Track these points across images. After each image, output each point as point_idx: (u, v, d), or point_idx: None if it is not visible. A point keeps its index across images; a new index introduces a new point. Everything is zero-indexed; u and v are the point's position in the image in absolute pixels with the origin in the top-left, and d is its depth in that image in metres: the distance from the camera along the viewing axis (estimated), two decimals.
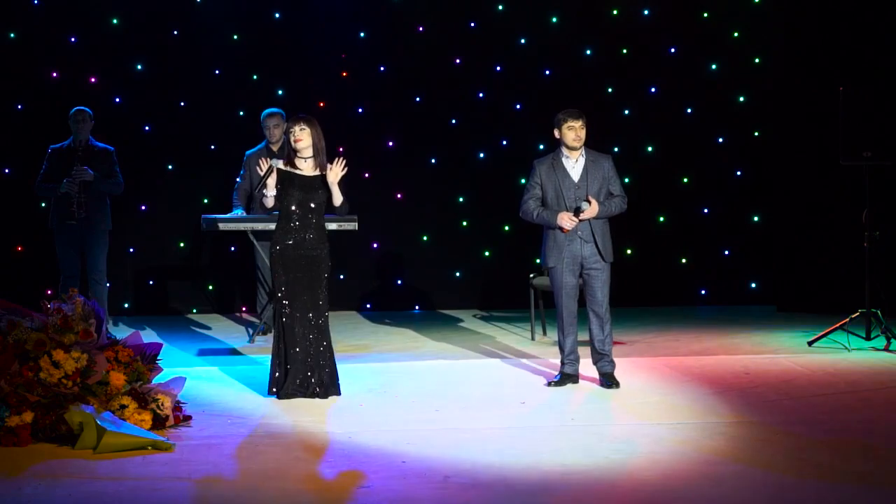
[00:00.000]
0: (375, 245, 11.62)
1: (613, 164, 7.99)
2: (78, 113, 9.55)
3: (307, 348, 7.56)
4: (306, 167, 7.64)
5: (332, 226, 9.28)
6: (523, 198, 8.01)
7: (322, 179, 7.63)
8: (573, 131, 7.83)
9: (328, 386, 7.59)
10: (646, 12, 11.73)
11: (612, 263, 7.96)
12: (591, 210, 7.77)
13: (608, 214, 7.91)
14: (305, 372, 7.54)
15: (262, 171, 7.61)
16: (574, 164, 7.91)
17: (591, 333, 7.95)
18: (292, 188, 7.58)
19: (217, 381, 8.11)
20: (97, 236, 9.56)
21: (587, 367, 8.14)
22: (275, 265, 7.65)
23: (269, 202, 7.58)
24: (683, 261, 11.93)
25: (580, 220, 7.78)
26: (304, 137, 7.57)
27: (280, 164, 7.60)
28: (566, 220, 7.78)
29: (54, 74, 11.21)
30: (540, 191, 7.95)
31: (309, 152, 7.62)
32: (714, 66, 11.81)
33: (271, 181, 7.55)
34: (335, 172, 7.58)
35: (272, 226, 8.02)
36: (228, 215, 9.61)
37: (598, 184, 7.88)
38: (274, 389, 7.57)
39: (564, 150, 7.91)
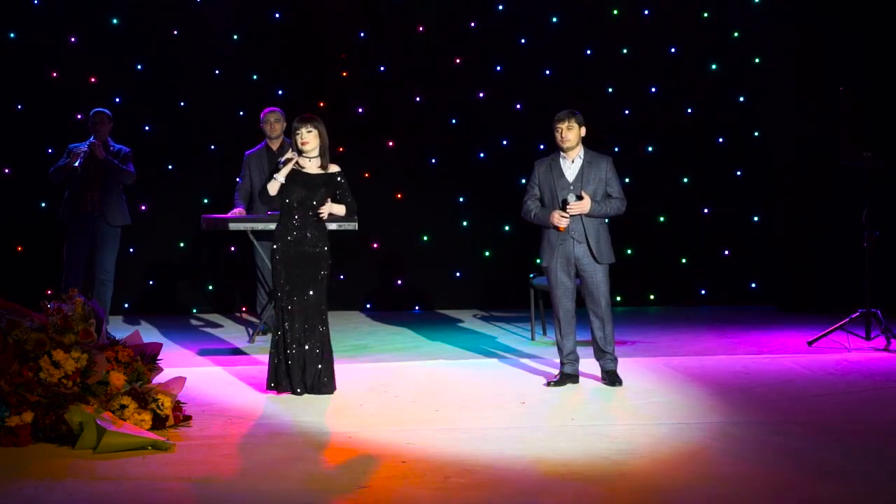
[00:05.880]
0: (375, 245, 11.61)
1: (613, 166, 7.94)
2: (96, 115, 9.68)
3: (305, 345, 7.58)
4: (310, 165, 7.70)
5: (332, 226, 9.25)
6: (524, 198, 8.02)
7: (324, 178, 7.68)
8: (558, 132, 7.85)
9: (324, 383, 7.61)
10: (646, 12, 11.73)
11: (610, 265, 7.96)
12: (580, 205, 7.76)
13: (602, 214, 7.88)
14: (303, 369, 7.57)
15: (280, 160, 7.72)
16: (570, 164, 7.90)
17: (593, 333, 7.95)
18: (295, 185, 7.64)
19: (217, 381, 8.11)
20: (110, 234, 9.64)
21: (587, 366, 8.14)
22: (275, 262, 7.68)
23: (275, 189, 7.60)
24: (683, 261, 11.93)
25: (571, 215, 7.78)
26: (310, 140, 7.66)
27: (296, 159, 7.67)
28: (556, 218, 7.79)
29: (54, 74, 11.21)
30: (539, 191, 7.96)
31: (315, 153, 7.68)
32: (714, 66, 11.81)
33: (286, 170, 7.62)
34: (327, 208, 7.67)
35: (272, 226, 8.07)
36: (229, 215, 9.60)
37: (594, 185, 7.85)
38: (272, 385, 7.60)
39: (561, 151, 7.92)
